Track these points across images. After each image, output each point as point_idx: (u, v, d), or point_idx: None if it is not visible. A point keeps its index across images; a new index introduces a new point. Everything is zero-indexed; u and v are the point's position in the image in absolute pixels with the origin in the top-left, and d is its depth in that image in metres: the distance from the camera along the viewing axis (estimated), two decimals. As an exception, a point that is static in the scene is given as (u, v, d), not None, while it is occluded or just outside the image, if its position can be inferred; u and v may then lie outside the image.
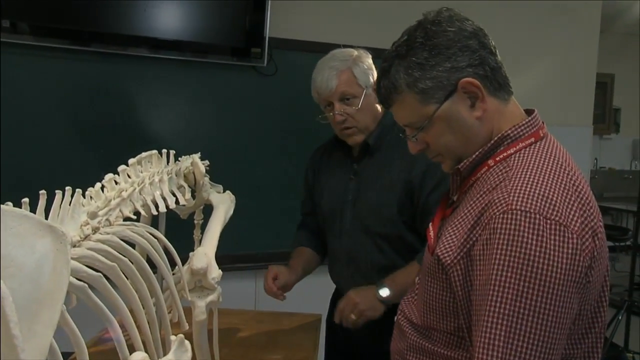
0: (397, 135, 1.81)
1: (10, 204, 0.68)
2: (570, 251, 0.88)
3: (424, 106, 1.06)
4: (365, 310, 1.69)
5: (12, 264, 0.57)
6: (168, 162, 1.35)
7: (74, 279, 0.72)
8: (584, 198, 0.97)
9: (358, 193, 1.81)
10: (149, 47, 2.66)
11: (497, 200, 0.95)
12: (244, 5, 2.77)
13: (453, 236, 1.02)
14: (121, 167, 1.08)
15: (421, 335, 1.12)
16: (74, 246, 0.79)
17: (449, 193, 1.20)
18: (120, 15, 2.56)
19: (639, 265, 3.92)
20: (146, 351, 0.83)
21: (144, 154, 1.17)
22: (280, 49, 2.94)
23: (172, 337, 0.83)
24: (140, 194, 1.08)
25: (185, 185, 1.33)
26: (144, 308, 0.86)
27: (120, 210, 0.99)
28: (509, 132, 1.06)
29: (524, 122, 1.06)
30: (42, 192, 0.79)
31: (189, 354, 0.82)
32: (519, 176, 0.97)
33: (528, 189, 0.93)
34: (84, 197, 0.93)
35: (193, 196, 1.48)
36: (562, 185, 0.96)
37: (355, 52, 1.78)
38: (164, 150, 1.28)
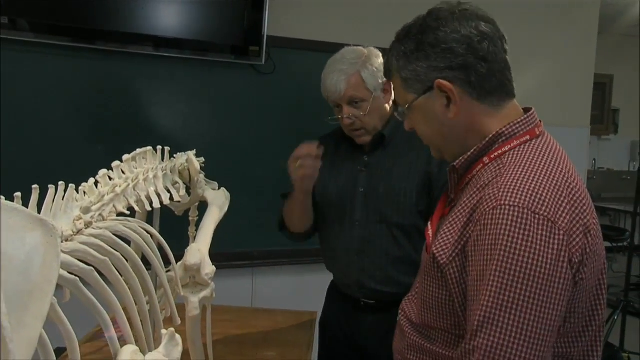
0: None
1: (2, 197, 0.69)
2: (555, 246, 0.89)
3: (406, 93, 1.11)
4: None
5: (2, 257, 0.57)
6: (163, 158, 1.36)
7: (66, 273, 0.73)
8: (577, 195, 0.97)
9: (371, 184, 1.82)
10: (147, 45, 2.67)
11: (488, 197, 0.96)
12: (243, 4, 2.77)
13: (448, 234, 1.03)
14: (115, 163, 1.09)
15: (420, 335, 1.13)
16: (67, 240, 0.80)
17: (447, 192, 1.20)
18: (120, 13, 2.57)
19: (635, 266, 3.93)
20: (138, 345, 0.84)
21: (138, 150, 1.18)
22: (279, 48, 2.94)
23: (163, 331, 0.84)
24: (134, 189, 1.08)
25: (180, 182, 1.34)
26: (136, 303, 0.87)
27: (114, 206, 0.99)
28: (504, 129, 1.06)
29: (519, 120, 1.07)
30: (35, 186, 0.80)
31: (180, 348, 0.83)
32: (510, 172, 0.98)
33: (518, 185, 0.95)
34: (78, 192, 0.94)
35: (188, 193, 1.48)
36: (554, 182, 0.96)
37: (365, 53, 1.79)
38: (159, 147, 1.29)
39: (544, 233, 0.90)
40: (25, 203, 0.74)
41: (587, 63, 3.69)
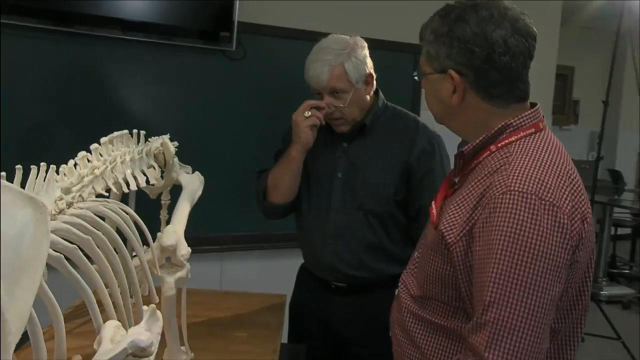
0: (390, 119, 1.89)
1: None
2: (560, 229, 0.99)
3: (426, 63, 1.20)
4: None
5: (-4, 232, 0.60)
6: (138, 142, 1.38)
7: (51, 250, 0.75)
8: (575, 185, 1.08)
9: (350, 171, 1.86)
10: (117, 29, 2.65)
11: (497, 183, 1.05)
12: (214, -11, 2.78)
13: (456, 215, 1.12)
14: (93, 146, 1.10)
15: (419, 306, 1.23)
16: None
17: (451, 174, 1.29)
18: (89, -5, 2.54)
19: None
20: (119, 320, 0.87)
21: (115, 134, 1.20)
22: (249, 34, 2.95)
23: (145, 307, 0.87)
24: (112, 172, 1.11)
25: (155, 165, 1.37)
26: (116, 280, 0.90)
27: (93, 187, 1.02)
28: (512, 121, 1.14)
29: (526, 113, 1.15)
30: (18, 166, 0.82)
31: (160, 323, 0.87)
32: (518, 161, 1.07)
33: (526, 173, 1.04)
34: (57, 173, 0.96)
35: (162, 176, 1.51)
36: (557, 172, 1.06)
37: (350, 44, 1.81)
38: (135, 131, 1.30)
39: (550, 217, 0.99)
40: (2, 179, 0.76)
41: (549, 54, 3.80)
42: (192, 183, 1.48)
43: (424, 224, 1.82)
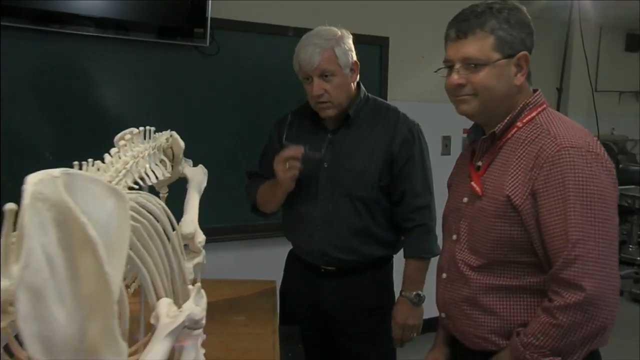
0: (372, 110, 2.01)
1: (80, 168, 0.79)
2: (610, 173, 1.27)
3: (492, 51, 1.34)
4: (418, 323, 2.01)
5: (90, 218, 0.69)
6: (145, 137, 1.45)
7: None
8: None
9: (335, 160, 1.98)
10: (90, 26, 2.68)
11: (547, 145, 1.29)
12: (186, -14, 2.82)
13: (514, 181, 1.32)
14: (121, 142, 1.18)
15: (487, 275, 1.39)
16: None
17: (469, 162, 1.51)
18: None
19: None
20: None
21: (135, 130, 1.27)
22: (223, 30, 3.02)
23: (190, 286, 0.96)
24: (136, 166, 1.19)
25: (166, 159, 1.44)
26: (163, 263, 0.99)
27: (125, 181, 1.10)
28: (530, 100, 1.40)
29: (538, 92, 1.42)
30: (75, 163, 0.90)
31: (205, 300, 0.96)
32: (555, 127, 1.32)
33: (568, 133, 1.29)
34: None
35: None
36: (583, 131, 1.34)
37: (338, 33, 1.94)
38: (141, 128, 1.37)
39: (600, 165, 1.26)
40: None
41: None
42: (197, 175, 1.56)
43: (407, 207, 1.97)
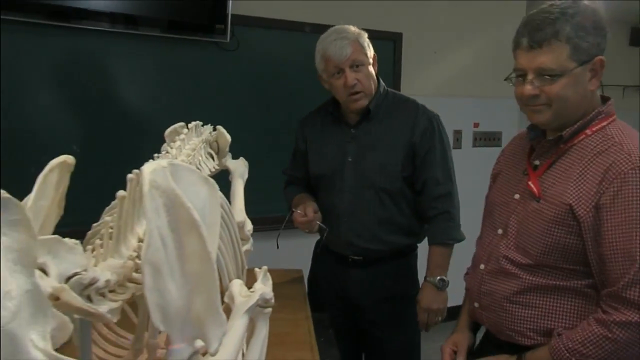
0: (391, 102, 2.08)
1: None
2: None
3: (568, 60, 1.28)
4: (443, 307, 2.07)
5: (191, 205, 0.76)
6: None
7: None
8: None
9: (359, 154, 2.06)
10: (112, 22, 2.75)
11: (620, 161, 1.25)
12: (208, -17, 2.89)
13: (579, 191, 1.29)
14: (181, 136, 1.26)
15: (535, 274, 1.38)
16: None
17: (526, 159, 1.48)
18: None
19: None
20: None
21: (192, 124, 1.35)
22: (242, 26, 3.09)
23: (257, 269, 1.04)
24: (194, 159, 1.26)
25: (213, 152, 1.52)
26: (233, 248, 1.07)
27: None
28: (603, 108, 1.35)
29: (610, 102, 1.37)
30: (156, 155, 0.97)
31: (270, 281, 1.04)
32: (628, 141, 1.28)
33: None
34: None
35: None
36: None
37: (357, 29, 2.02)
38: (194, 123, 1.45)
39: None
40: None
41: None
42: (240, 167, 1.64)
43: (429, 196, 2.05)
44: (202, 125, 1.52)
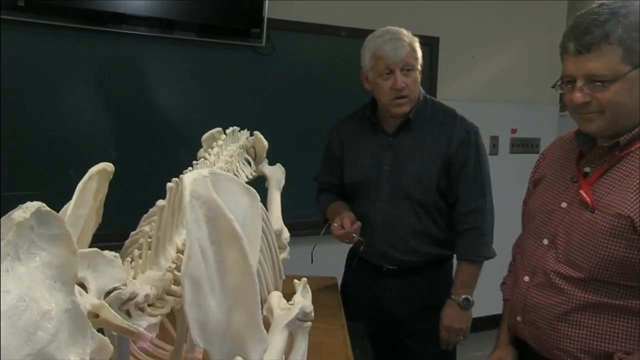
0: (430, 112, 2.03)
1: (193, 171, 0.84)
2: None
3: (621, 64, 1.18)
4: (465, 327, 2.01)
5: (232, 214, 0.74)
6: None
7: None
8: None
9: (396, 164, 2.00)
10: (148, 26, 2.76)
11: None
12: (244, -12, 2.88)
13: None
14: (219, 142, 1.24)
15: (587, 290, 1.29)
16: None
17: (575, 166, 1.38)
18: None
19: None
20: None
21: (229, 130, 1.33)
22: (278, 30, 3.07)
23: (296, 281, 1.01)
24: (231, 165, 1.24)
25: (250, 158, 1.50)
26: (271, 258, 1.04)
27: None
28: None
29: None
30: (194, 162, 0.95)
31: (310, 293, 1.01)
32: None
33: None
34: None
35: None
36: None
37: (409, 33, 1.97)
38: (232, 128, 1.43)
39: None
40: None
41: (556, 44, 3.96)
42: (276, 173, 1.62)
43: (460, 210, 1.99)
44: (239, 131, 1.49)
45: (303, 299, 0.96)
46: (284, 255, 1.37)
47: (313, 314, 0.97)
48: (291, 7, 3.13)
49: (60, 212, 0.72)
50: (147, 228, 0.77)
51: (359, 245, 1.99)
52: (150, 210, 1.01)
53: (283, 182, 1.64)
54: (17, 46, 2.52)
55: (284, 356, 0.89)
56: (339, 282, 2.30)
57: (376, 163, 2.04)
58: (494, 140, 3.94)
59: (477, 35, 3.73)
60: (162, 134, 2.91)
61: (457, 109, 2.09)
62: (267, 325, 0.92)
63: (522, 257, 1.48)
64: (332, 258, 2.41)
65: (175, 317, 0.81)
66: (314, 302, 2.03)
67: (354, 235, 1.96)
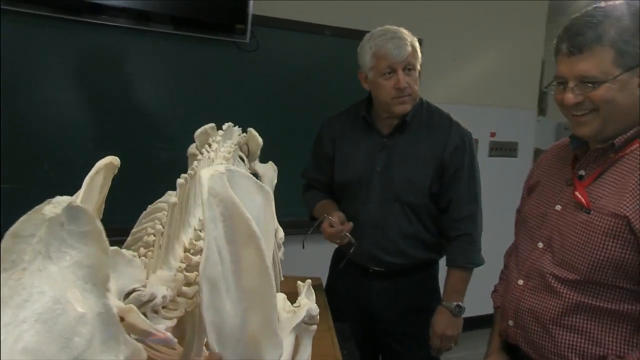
0: (426, 115, 2.01)
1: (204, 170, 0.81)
2: None
3: (612, 66, 1.18)
4: (457, 334, 1.99)
5: (246, 211, 0.71)
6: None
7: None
8: None
9: (388, 165, 1.98)
10: (131, 19, 2.71)
11: None
12: (228, -18, 2.84)
13: (637, 203, 1.19)
14: (217, 138, 1.20)
15: (582, 293, 1.28)
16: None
17: (570, 169, 1.38)
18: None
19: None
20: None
21: (225, 125, 1.29)
22: (262, 26, 3.04)
23: (300, 283, 0.99)
24: (227, 161, 1.21)
25: (244, 155, 1.46)
26: (273, 258, 1.01)
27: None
28: None
29: None
30: (200, 157, 0.92)
31: (314, 295, 0.98)
32: None
33: None
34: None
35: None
36: None
37: (409, 33, 1.95)
38: (227, 124, 1.39)
39: None
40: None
41: (536, 50, 4.01)
42: (269, 171, 1.58)
43: (452, 216, 1.98)
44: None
45: (308, 301, 0.93)
46: (279, 255, 1.34)
47: (319, 317, 0.94)
48: (277, 4, 3.10)
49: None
50: (158, 226, 0.73)
51: (349, 247, 1.96)
52: (150, 207, 0.97)
53: (275, 181, 1.60)
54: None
55: (290, 360, 0.86)
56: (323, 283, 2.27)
57: (369, 163, 2.01)
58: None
59: (459, 38, 3.74)
60: (141, 129, 2.85)
61: None
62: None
63: (517, 262, 1.47)
64: (316, 258, 2.39)
65: (183, 317, 0.78)
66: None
67: (347, 234, 1.93)
